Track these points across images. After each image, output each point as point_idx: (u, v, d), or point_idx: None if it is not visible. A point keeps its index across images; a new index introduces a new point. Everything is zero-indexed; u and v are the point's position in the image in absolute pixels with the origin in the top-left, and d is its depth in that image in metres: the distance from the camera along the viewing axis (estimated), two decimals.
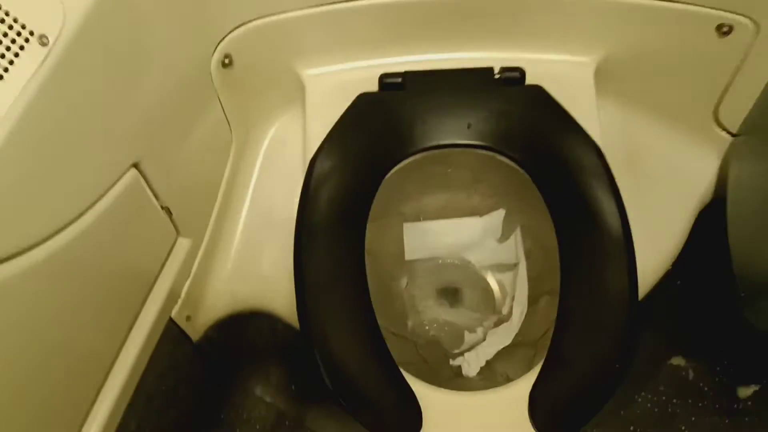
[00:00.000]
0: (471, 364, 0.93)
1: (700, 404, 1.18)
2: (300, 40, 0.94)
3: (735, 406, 1.17)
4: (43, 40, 0.61)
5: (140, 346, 0.88)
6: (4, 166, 0.58)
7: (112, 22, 0.68)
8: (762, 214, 0.90)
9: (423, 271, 1.06)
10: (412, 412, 0.77)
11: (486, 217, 1.07)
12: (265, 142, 1.06)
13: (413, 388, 0.78)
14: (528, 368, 0.79)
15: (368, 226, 0.86)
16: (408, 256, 1.05)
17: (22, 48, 0.60)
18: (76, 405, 0.80)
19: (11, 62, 0.59)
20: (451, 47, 0.96)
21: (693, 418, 1.17)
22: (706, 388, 1.19)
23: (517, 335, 0.95)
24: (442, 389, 0.81)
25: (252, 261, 1.03)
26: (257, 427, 1.20)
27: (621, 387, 1.03)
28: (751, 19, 0.87)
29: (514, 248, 1.03)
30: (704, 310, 1.23)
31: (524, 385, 0.78)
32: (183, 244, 0.95)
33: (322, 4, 0.90)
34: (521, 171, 0.90)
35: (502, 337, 0.94)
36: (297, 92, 0.99)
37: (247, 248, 1.03)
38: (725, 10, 0.87)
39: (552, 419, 0.76)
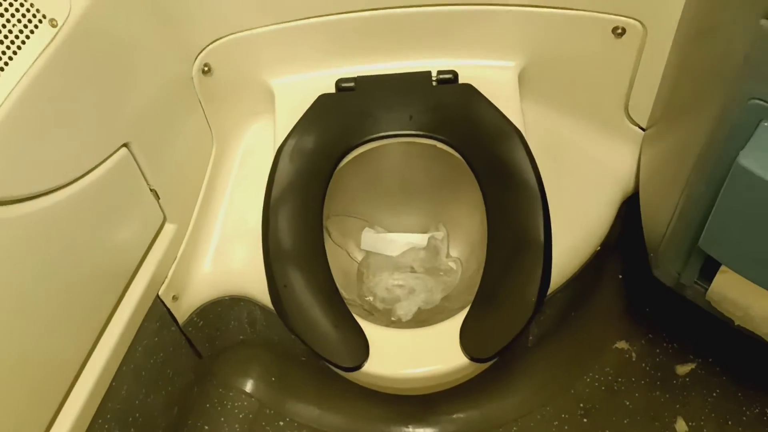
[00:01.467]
0: (404, 309, 1.07)
1: (642, 381, 1.29)
2: (268, 53, 1.12)
3: (674, 382, 1.28)
4: (53, 23, 0.78)
5: (129, 315, 1.01)
6: (13, 121, 0.73)
7: (110, 16, 0.86)
8: (658, 185, 1.06)
9: (376, 258, 1.20)
10: (360, 344, 0.90)
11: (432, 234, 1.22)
12: (242, 145, 1.23)
13: (362, 327, 0.92)
14: None
15: (331, 219, 1.02)
16: (363, 247, 1.20)
17: (36, 27, 0.77)
18: (65, 366, 0.91)
19: (27, 37, 0.76)
20: (396, 57, 1.14)
21: (636, 394, 1.28)
22: (647, 368, 1.31)
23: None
24: (387, 327, 0.94)
25: (232, 250, 1.17)
26: (240, 416, 1.30)
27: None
28: (639, 21, 1.05)
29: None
30: (644, 297, 1.36)
31: (456, 321, 0.91)
32: (169, 229, 1.10)
33: (283, 22, 1.08)
34: (455, 154, 1.05)
35: (434, 290, 1.09)
36: (269, 102, 1.17)
37: (227, 238, 1.18)
38: (617, 14, 1.05)
39: (478, 345, 0.89)
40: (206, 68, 1.09)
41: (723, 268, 0.92)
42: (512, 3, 1.07)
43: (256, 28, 1.08)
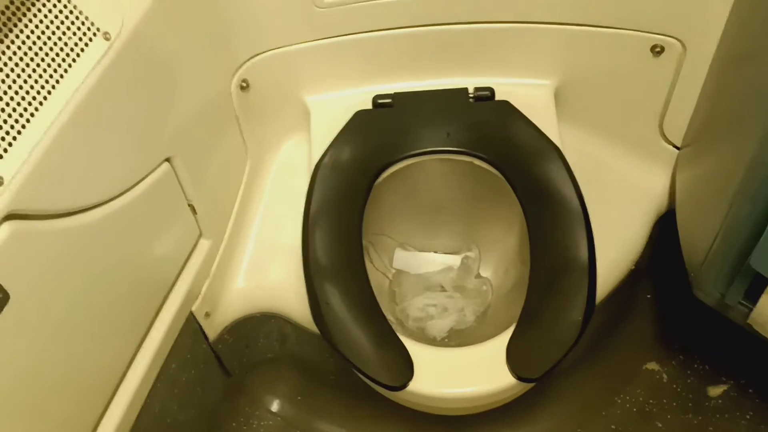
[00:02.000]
0: (437, 328, 1.06)
1: (674, 404, 1.28)
2: (305, 69, 1.12)
3: (706, 404, 1.27)
4: (106, 36, 0.78)
5: (165, 331, 1.00)
6: (68, 135, 0.73)
7: (158, 31, 0.86)
8: (698, 205, 1.05)
9: (408, 277, 1.19)
10: (405, 363, 0.89)
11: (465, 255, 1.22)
12: (276, 162, 1.22)
13: (405, 345, 0.91)
14: None
15: (365, 236, 1.03)
16: (395, 265, 1.20)
17: (90, 40, 0.77)
18: (105, 380, 0.91)
19: (82, 50, 0.76)
20: (433, 75, 1.14)
21: (669, 416, 1.27)
22: (679, 389, 1.29)
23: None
24: (431, 346, 0.93)
25: (264, 267, 1.17)
26: None
27: (601, 389, 1.15)
28: (679, 40, 1.05)
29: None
30: (675, 317, 1.35)
31: (501, 340, 0.90)
32: (204, 244, 1.09)
33: (320, 39, 1.08)
34: (493, 171, 1.05)
35: (466, 310, 1.08)
36: (304, 119, 1.17)
37: (260, 254, 1.17)
38: (657, 33, 1.05)
39: (525, 364, 0.88)
40: (244, 84, 1.09)
41: None
42: (549, 21, 1.07)
43: (294, 44, 1.08)
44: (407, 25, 1.09)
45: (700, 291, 1.03)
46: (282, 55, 1.09)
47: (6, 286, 0.68)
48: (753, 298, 0.95)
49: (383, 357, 0.89)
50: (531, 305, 0.92)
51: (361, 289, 0.94)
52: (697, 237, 1.03)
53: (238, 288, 1.15)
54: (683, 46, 1.05)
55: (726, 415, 1.25)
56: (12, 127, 0.68)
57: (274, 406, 1.30)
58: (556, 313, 0.91)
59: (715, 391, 1.28)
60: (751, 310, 0.95)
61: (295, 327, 1.18)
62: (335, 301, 0.93)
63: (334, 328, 0.91)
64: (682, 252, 1.11)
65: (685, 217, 1.12)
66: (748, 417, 1.24)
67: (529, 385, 0.91)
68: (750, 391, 1.26)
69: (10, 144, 0.68)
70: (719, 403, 1.27)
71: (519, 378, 0.87)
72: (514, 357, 0.88)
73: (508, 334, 0.90)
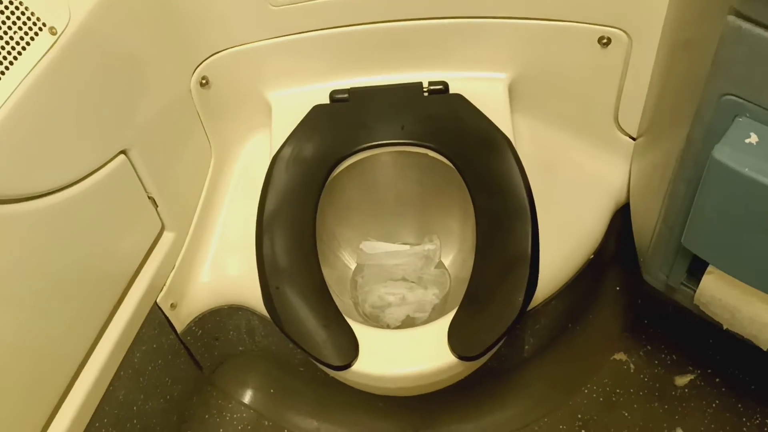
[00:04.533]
0: (393, 316, 1.10)
1: (641, 393, 1.29)
2: (264, 66, 1.15)
3: (673, 393, 1.28)
4: (52, 30, 0.82)
5: (127, 320, 1.03)
6: (11, 123, 0.76)
7: (109, 26, 0.90)
8: (646, 192, 1.07)
9: (370, 267, 1.22)
10: (350, 344, 0.91)
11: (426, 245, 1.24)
12: (241, 157, 1.26)
13: (352, 327, 0.93)
14: None
15: (327, 228, 1.06)
16: (358, 257, 1.23)
17: (36, 34, 0.81)
18: (63, 366, 0.94)
19: (28, 44, 0.80)
20: (388, 70, 1.17)
21: (635, 406, 1.28)
22: (646, 379, 1.31)
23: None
24: (376, 328, 0.96)
25: (230, 260, 1.20)
26: (239, 428, 1.31)
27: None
28: (623, 31, 1.07)
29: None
30: (643, 308, 1.36)
31: (444, 322, 0.93)
32: (168, 237, 1.12)
33: (279, 36, 1.12)
34: (446, 162, 1.08)
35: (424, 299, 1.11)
36: (267, 115, 1.20)
37: (225, 247, 1.20)
38: (602, 25, 1.08)
39: (466, 344, 0.90)
40: (204, 81, 1.13)
41: (709, 268, 0.93)
42: (500, 15, 1.10)
43: (252, 42, 1.12)
44: (362, 21, 1.12)
45: (648, 275, 1.05)
46: (241, 52, 1.13)
47: None
48: (696, 279, 0.96)
49: (329, 338, 0.91)
50: (474, 288, 0.94)
51: (311, 275, 0.97)
52: (645, 223, 1.05)
53: (204, 280, 1.19)
54: (628, 36, 1.07)
55: (692, 404, 1.27)
56: None
57: (247, 398, 1.33)
58: (497, 296, 0.93)
59: (681, 380, 1.29)
60: (694, 291, 0.97)
61: (262, 319, 1.21)
62: (285, 286, 0.96)
63: (282, 312, 0.94)
64: None
65: (636, 205, 1.14)
66: (714, 405, 1.25)
67: (472, 365, 0.93)
68: (716, 380, 1.27)
69: None
70: (685, 392, 1.28)
71: (459, 357, 0.89)
72: (455, 337, 0.90)
73: (450, 316, 0.92)
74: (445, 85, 1.13)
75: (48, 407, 0.91)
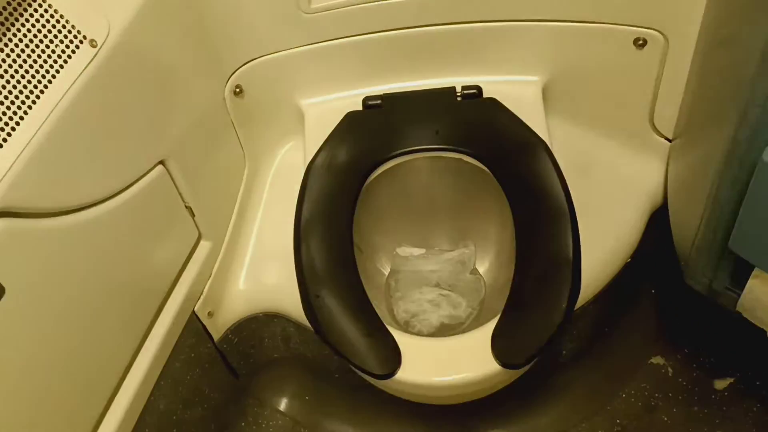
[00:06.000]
0: (426, 323, 1.09)
1: (680, 397, 1.27)
2: (297, 74, 1.16)
3: (713, 397, 1.27)
4: (92, 43, 0.82)
5: (166, 329, 1.03)
6: (55, 138, 0.77)
7: (147, 37, 0.90)
8: (686, 194, 1.06)
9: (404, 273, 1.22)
10: (393, 352, 0.91)
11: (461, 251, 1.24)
12: (274, 165, 1.26)
13: (393, 336, 0.93)
14: None
15: (361, 234, 1.06)
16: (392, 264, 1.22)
17: (77, 47, 0.81)
18: (106, 377, 0.94)
19: (69, 57, 0.81)
20: (421, 75, 1.17)
21: (674, 410, 1.26)
22: (684, 383, 1.29)
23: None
24: (418, 336, 0.95)
25: (265, 267, 1.20)
26: None
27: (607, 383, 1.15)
28: (660, 32, 1.06)
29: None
30: (680, 311, 1.35)
31: (486, 330, 0.92)
32: (205, 246, 1.12)
33: (310, 44, 1.12)
34: (482, 167, 1.07)
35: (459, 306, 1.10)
36: (300, 123, 1.20)
37: (260, 255, 1.20)
38: (638, 26, 1.07)
39: (510, 351, 0.89)
40: (238, 90, 1.13)
41: (755, 272, 0.92)
42: (534, 18, 1.09)
43: (285, 50, 1.12)
44: (394, 27, 1.12)
45: (691, 279, 1.03)
46: (274, 60, 1.13)
47: (1, 280, 0.72)
48: (741, 283, 0.95)
49: (371, 347, 0.91)
50: (516, 295, 0.94)
51: (350, 283, 0.97)
52: (686, 225, 1.04)
53: (239, 288, 1.19)
54: (665, 37, 1.06)
55: (733, 408, 1.25)
56: (2, 129, 0.73)
57: (282, 406, 1.33)
58: (540, 303, 0.92)
59: (721, 384, 1.27)
60: (739, 295, 0.96)
61: (298, 327, 1.21)
62: (326, 294, 0.95)
63: (323, 320, 0.93)
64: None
65: (676, 207, 1.12)
66: (754, 409, 1.23)
67: (515, 373, 0.92)
68: (757, 383, 1.25)
69: (0, 145, 0.72)
70: (725, 395, 1.26)
71: (503, 365, 0.88)
72: (499, 345, 0.89)
73: (493, 323, 0.92)
74: (479, 89, 1.13)
75: (93, 418, 0.91)
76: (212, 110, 1.10)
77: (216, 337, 1.18)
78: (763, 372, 1.24)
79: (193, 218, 1.07)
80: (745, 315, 0.97)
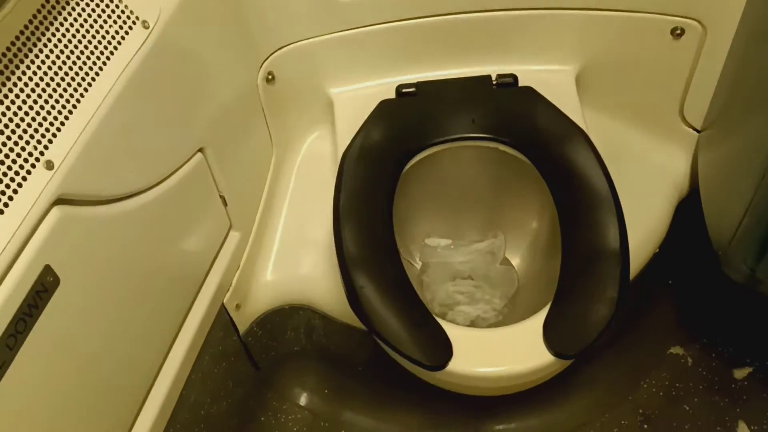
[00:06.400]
0: (463, 314, 1.09)
1: (700, 387, 1.28)
2: (328, 61, 1.13)
3: (733, 386, 1.28)
4: (145, 24, 0.79)
5: (198, 322, 1.01)
6: (110, 122, 0.74)
7: (191, 22, 0.87)
8: (724, 184, 1.07)
9: (435, 265, 1.20)
10: (443, 343, 0.89)
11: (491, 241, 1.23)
12: (300, 154, 1.23)
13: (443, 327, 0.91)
14: None
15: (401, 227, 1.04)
16: (422, 254, 1.21)
17: (131, 28, 0.78)
18: (145, 370, 0.91)
19: (123, 38, 0.77)
20: (455, 63, 1.15)
21: (695, 399, 1.27)
22: (704, 373, 1.30)
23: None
24: (468, 327, 0.93)
25: (292, 258, 1.18)
26: (294, 429, 1.29)
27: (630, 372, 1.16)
28: (699, 21, 1.06)
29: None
30: (698, 301, 1.36)
31: (538, 320, 0.91)
32: (234, 236, 1.10)
33: (343, 30, 1.10)
34: (519, 156, 1.06)
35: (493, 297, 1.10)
36: (327, 112, 1.18)
37: (287, 246, 1.18)
38: (676, 15, 1.07)
39: (563, 341, 0.88)
40: (270, 77, 1.10)
41: None
42: (569, 6, 1.08)
43: (318, 36, 1.10)
44: (428, 14, 1.10)
45: (730, 268, 1.04)
46: (306, 47, 1.10)
47: (56, 270, 0.69)
48: None
49: (421, 338, 0.90)
50: (565, 285, 0.93)
51: (395, 273, 0.95)
52: (724, 215, 1.05)
53: (267, 280, 1.16)
54: (703, 27, 1.06)
55: (753, 396, 1.26)
56: (60, 113, 0.69)
57: (302, 400, 1.30)
58: (590, 293, 0.92)
59: (740, 373, 1.29)
60: None
61: (323, 318, 1.19)
62: (370, 285, 0.94)
63: (370, 312, 0.91)
64: (705, 234, 1.12)
65: (710, 197, 1.13)
66: None
67: (567, 363, 0.91)
68: None
69: (58, 129, 0.69)
70: (745, 384, 1.28)
71: (557, 355, 0.87)
72: (551, 335, 0.89)
73: (543, 313, 0.91)
74: (515, 77, 1.12)
75: (134, 409, 0.89)
76: (245, 97, 1.07)
77: (242, 329, 1.16)
78: None
79: (226, 207, 1.04)
80: None
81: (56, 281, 0.69)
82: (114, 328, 0.82)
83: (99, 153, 0.73)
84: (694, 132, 1.20)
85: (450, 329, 0.90)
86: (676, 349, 1.33)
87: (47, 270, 0.68)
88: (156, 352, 0.93)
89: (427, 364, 0.88)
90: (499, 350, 0.90)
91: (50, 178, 0.67)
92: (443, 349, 0.89)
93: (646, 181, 1.20)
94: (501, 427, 1.27)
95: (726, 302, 1.28)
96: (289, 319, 1.22)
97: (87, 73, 0.73)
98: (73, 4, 0.73)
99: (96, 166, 0.73)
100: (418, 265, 1.20)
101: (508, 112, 1.09)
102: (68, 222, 0.70)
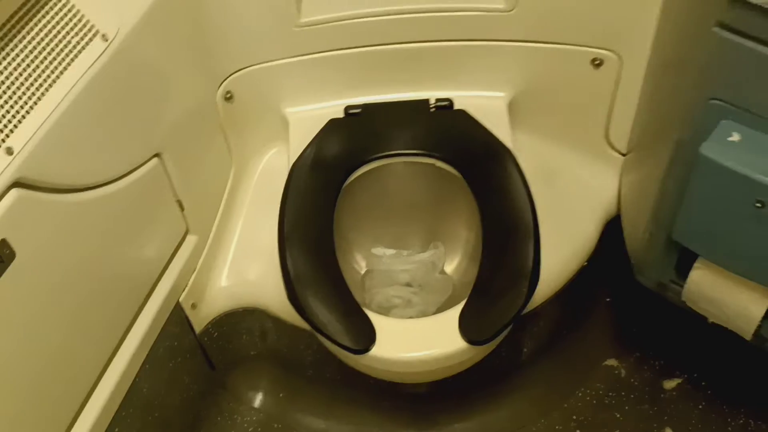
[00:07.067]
0: (398, 316, 1.19)
1: (632, 396, 1.36)
2: (284, 83, 1.25)
3: (662, 396, 1.36)
4: (104, 37, 0.91)
5: (153, 316, 1.09)
6: (66, 120, 0.84)
7: (151, 37, 0.99)
8: (637, 202, 1.17)
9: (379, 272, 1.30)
10: (368, 330, 0.99)
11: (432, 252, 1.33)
12: (258, 170, 1.34)
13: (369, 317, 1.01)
14: None
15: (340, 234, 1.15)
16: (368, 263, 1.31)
17: (91, 39, 0.90)
18: (97, 352, 0.99)
19: (83, 48, 0.89)
20: (398, 89, 1.27)
21: (626, 407, 1.35)
22: (636, 383, 1.38)
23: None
24: (391, 318, 1.03)
25: (247, 264, 1.27)
26: (249, 430, 1.37)
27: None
28: (615, 53, 1.18)
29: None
30: (633, 318, 1.45)
31: (455, 311, 1.01)
32: (191, 240, 1.19)
33: (298, 55, 1.21)
34: (453, 171, 1.17)
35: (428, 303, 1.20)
36: (284, 130, 1.29)
37: (243, 252, 1.27)
38: (595, 47, 1.18)
39: (475, 330, 0.98)
40: (229, 95, 1.21)
41: (697, 264, 1.02)
42: (501, 38, 1.20)
43: (275, 60, 1.21)
44: (375, 43, 1.22)
45: (641, 275, 1.13)
46: (263, 69, 1.22)
47: (13, 245, 0.79)
48: (685, 276, 1.05)
49: (349, 325, 0.99)
50: (481, 283, 1.02)
51: (330, 268, 1.05)
52: (636, 228, 1.15)
53: (222, 284, 1.26)
54: (619, 58, 1.18)
55: (680, 406, 1.34)
56: (22, 107, 0.80)
57: (257, 402, 1.38)
58: (503, 289, 1.01)
59: (669, 384, 1.37)
60: (683, 288, 1.06)
61: (275, 321, 1.28)
62: (307, 278, 1.03)
63: (305, 303, 1.01)
64: None
65: (627, 215, 1.23)
66: (700, 407, 1.33)
67: (481, 351, 1.00)
68: (702, 383, 1.35)
69: (19, 121, 0.80)
70: (674, 395, 1.36)
71: (469, 341, 0.96)
72: (465, 324, 0.98)
73: (460, 307, 1.00)
74: (450, 101, 1.23)
75: (84, 391, 0.96)
76: (205, 112, 1.18)
77: (197, 329, 1.24)
78: (708, 373, 1.34)
79: (182, 212, 1.14)
80: (690, 305, 1.06)
81: (12, 254, 0.79)
82: (66, 310, 0.90)
83: (56, 145, 0.83)
84: (620, 155, 1.30)
85: (375, 319, 1.00)
86: (611, 361, 1.41)
87: (4, 243, 0.77)
88: (108, 339, 1.01)
89: (353, 347, 0.97)
90: (418, 337, 0.99)
91: (9, 162, 0.77)
92: (368, 336, 0.98)
93: (576, 200, 1.31)
94: (442, 428, 1.35)
95: (660, 318, 1.37)
96: (242, 322, 1.30)
97: (49, 76, 0.83)
98: (39, 16, 0.84)
99: (53, 156, 0.83)
100: (363, 271, 1.30)
101: (443, 132, 1.20)
102: (25, 204, 0.80)
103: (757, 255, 0.90)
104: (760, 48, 0.80)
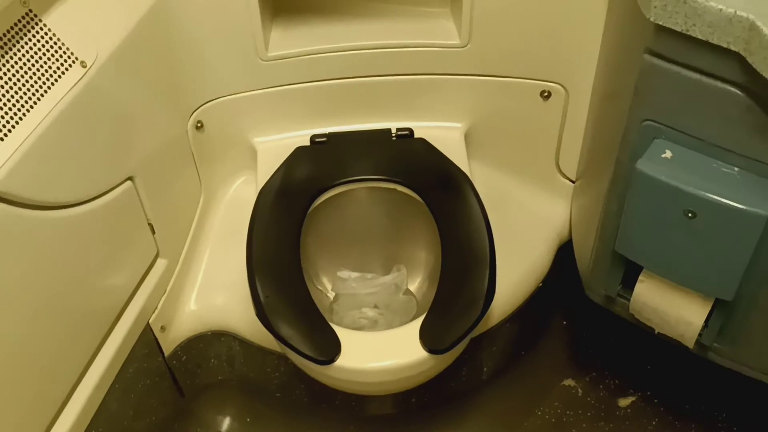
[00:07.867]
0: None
1: (588, 414, 1.42)
2: (252, 114, 1.31)
3: (617, 413, 1.42)
4: (83, 64, 0.97)
5: (122, 337, 1.12)
6: (44, 139, 0.88)
7: (126, 66, 1.05)
8: (585, 224, 1.25)
9: (345, 296, 1.35)
10: (333, 342, 1.03)
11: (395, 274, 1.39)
12: (227, 197, 1.40)
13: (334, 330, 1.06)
14: None
15: (307, 258, 1.20)
16: (334, 286, 1.36)
17: (70, 66, 0.96)
18: (65, 373, 1.02)
19: (62, 74, 0.94)
20: (361, 119, 1.34)
21: (584, 425, 1.41)
22: (592, 401, 1.44)
23: None
24: (355, 331, 1.08)
25: (215, 288, 1.31)
26: None
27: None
28: (562, 85, 1.27)
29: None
30: (589, 339, 1.51)
31: (415, 325, 1.06)
32: (161, 263, 1.24)
33: (265, 88, 1.29)
34: (414, 196, 1.24)
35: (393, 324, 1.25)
36: (252, 159, 1.35)
37: (211, 277, 1.32)
38: (543, 80, 1.27)
39: (435, 340, 1.03)
40: (199, 125, 1.28)
41: (641, 277, 1.09)
42: (456, 72, 1.29)
43: (243, 92, 1.28)
44: (338, 77, 1.29)
45: (590, 291, 1.20)
46: (232, 101, 1.28)
47: None
48: (631, 289, 1.12)
49: (315, 337, 1.03)
50: (440, 297, 1.08)
51: (296, 285, 1.10)
52: (585, 248, 1.22)
53: (191, 307, 1.30)
54: (566, 90, 1.27)
55: (635, 423, 1.40)
56: (0, 130, 0.85)
57: (223, 427, 1.40)
58: (461, 303, 1.07)
59: (624, 402, 1.43)
60: (629, 301, 1.13)
61: (243, 344, 1.32)
62: (274, 294, 1.08)
63: (272, 317, 1.05)
64: None
65: (578, 237, 1.31)
66: (653, 423, 1.39)
67: (442, 361, 1.05)
68: (655, 401, 1.41)
69: (1, 139, 0.84)
70: (628, 412, 1.42)
71: (429, 351, 1.02)
72: (425, 335, 1.03)
73: (420, 319, 1.06)
74: (411, 130, 1.31)
75: (51, 410, 0.98)
76: (176, 139, 1.24)
77: (167, 352, 1.28)
78: (660, 391, 1.41)
79: (153, 235, 1.19)
80: (636, 317, 1.13)
81: None
82: (35, 328, 0.93)
83: (32, 165, 0.86)
84: (570, 182, 1.39)
85: (340, 332, 1.05)
86: (569, 381, 1.47)
87: None
88: (78, 358, 1.04)
89: (319, 358, 1.02)
90: (382, 348, 1.04)
91: None
92: (333, 347, 1.03)
93: (529, 225, 1.38)
94: None
95: (614, 337, 1.44)
96: (210, 347, 1.34)
97: (28, 99, 0.88)
98: (22, 42, 0.90)
99: (27, 174, 0.86)
100: (331, 295, 1.35)
101: (404, 159, 1.27)
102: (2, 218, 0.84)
103: (691, 264, 0.97)
104: (684, 72, 0.88)
